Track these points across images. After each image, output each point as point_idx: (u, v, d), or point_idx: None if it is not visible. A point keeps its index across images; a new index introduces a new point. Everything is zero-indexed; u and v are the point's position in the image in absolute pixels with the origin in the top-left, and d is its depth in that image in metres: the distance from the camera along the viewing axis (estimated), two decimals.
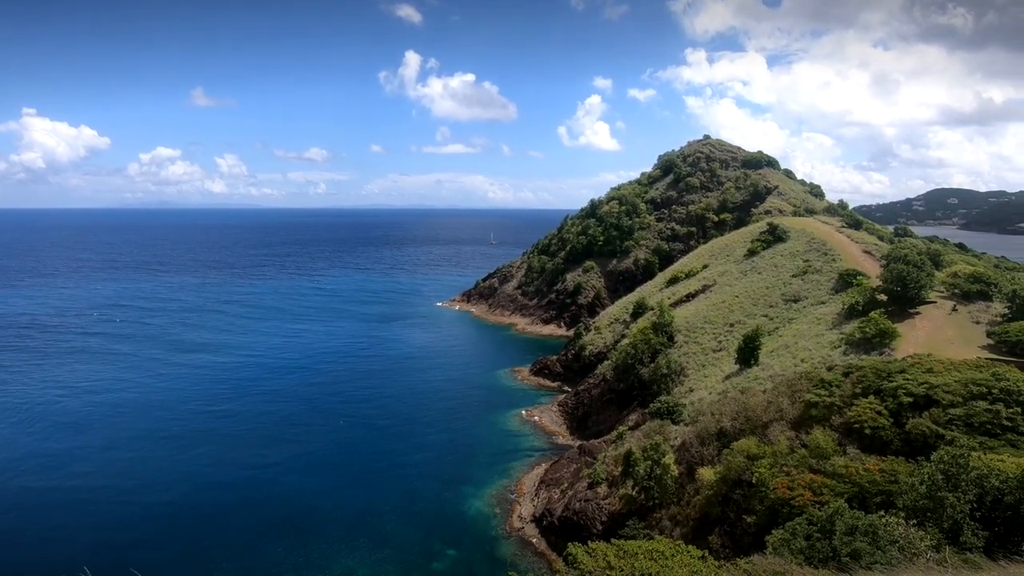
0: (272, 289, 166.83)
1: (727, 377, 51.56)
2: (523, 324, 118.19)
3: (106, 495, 48.94)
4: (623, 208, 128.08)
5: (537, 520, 45.05)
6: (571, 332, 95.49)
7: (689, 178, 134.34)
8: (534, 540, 43.10)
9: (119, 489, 49.95)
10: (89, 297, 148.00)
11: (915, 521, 17.81)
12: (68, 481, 51.20)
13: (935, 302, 50.18)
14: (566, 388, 76.37)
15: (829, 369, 38.66)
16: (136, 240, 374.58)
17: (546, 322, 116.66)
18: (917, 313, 48.78)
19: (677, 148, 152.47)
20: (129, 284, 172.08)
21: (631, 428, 49.32)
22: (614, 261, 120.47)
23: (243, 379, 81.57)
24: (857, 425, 29.83)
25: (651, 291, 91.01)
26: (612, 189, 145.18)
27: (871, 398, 31.01)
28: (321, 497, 49.18)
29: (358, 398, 74.33)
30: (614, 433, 50.85)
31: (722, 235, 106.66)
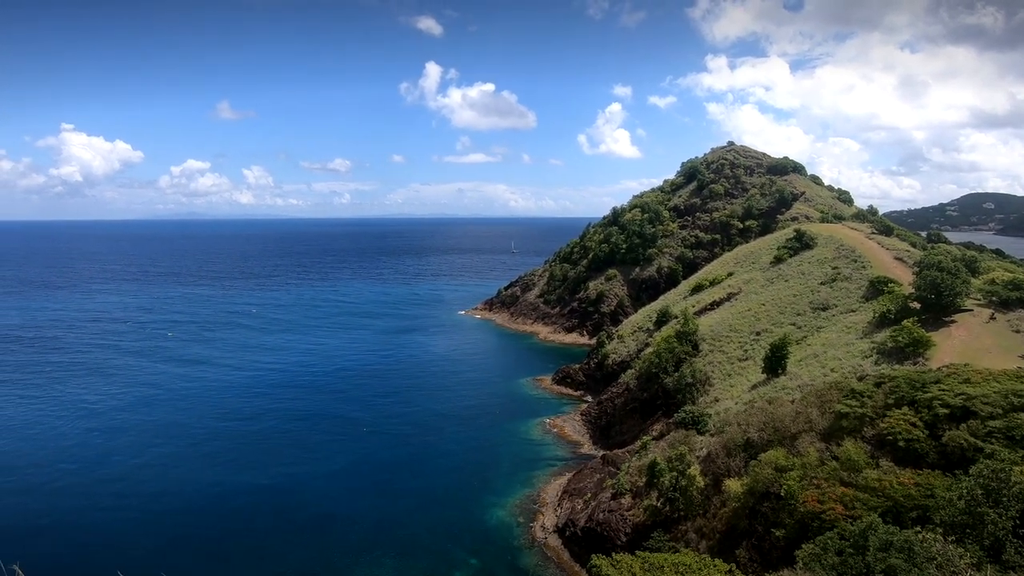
0: (295, 299, 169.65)
1: (754, 387, 50.58)
2: (545, 332, 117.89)
3: (134, 503, 50.11)
4: (645, 216, 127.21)
5: (560, 530, 44.66)
6: (594, 341, 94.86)
7: (713, 185, 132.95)
8: (557, 550, 42.72)
9: (146, 497, 51.10)
10: (115, 308, 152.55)
11: (954, 538, 17.19)
12: (98, 488, 52.67)
13: (972, 310, 48.55)
14: (588, 397, 75.80)
15: (860, 379, 37.67)
16: (166, 250, 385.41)
17: (568, 330, 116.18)
18: (952, 321, 47.24)
19: (700, 155, 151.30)
20: (158, 294, 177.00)
21: (655, 438, 48.68)
22: (637, 269, 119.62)
23: (267, 390, 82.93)
24: (890, 437, 28.98)
25: (675, 299, 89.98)
26: (634, 196, 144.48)
27: (905, 409, 30.11)
28: (343, 505, 49.56)
29: (380, 406, 74.89)
30: (638, 443, 50.23)
31: (747, 242, 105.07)
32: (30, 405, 74.09)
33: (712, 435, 42.52)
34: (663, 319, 78.73)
